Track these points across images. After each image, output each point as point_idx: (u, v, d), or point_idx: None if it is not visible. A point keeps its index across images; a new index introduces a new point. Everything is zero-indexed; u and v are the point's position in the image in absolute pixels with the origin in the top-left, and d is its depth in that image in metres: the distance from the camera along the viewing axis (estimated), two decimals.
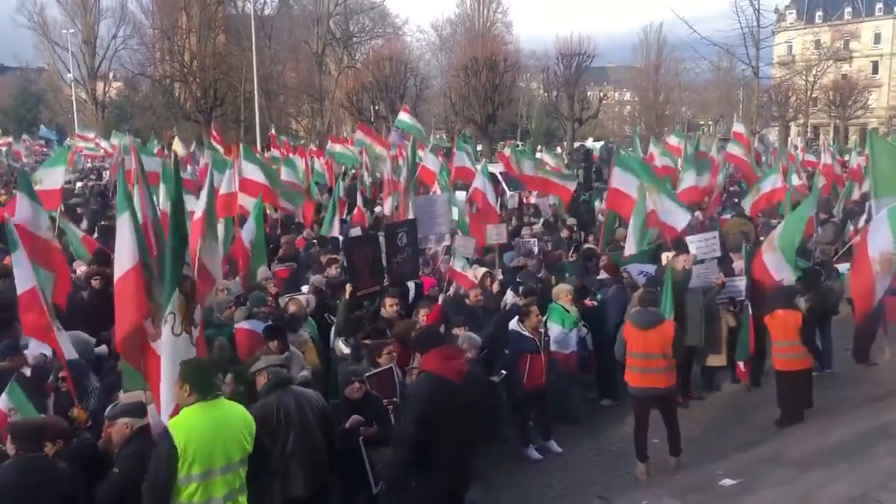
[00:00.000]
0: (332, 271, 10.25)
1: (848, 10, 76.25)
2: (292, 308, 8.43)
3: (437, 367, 5.36)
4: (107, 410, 5.35)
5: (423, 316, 8.31)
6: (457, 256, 10.16)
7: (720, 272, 9.75)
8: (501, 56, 50.03)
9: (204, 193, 9.20)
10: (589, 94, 56.22)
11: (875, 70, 74.49)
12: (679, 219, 11.46)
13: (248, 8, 48.21)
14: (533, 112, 64.54)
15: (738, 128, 23.09)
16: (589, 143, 47.56)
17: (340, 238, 12.86)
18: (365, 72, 53.29)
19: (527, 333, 8.20)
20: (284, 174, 17.45)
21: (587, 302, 9.84)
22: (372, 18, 63.10)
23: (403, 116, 22.74)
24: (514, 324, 8.33)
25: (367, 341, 7.23)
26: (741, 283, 9.83)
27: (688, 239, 11.10)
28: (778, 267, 9.71)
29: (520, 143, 48.88)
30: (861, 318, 9.50)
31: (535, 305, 8.47)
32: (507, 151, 24.23)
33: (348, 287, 8.01)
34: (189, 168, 21.55)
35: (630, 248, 11.20)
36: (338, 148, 27.50)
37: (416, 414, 5.25)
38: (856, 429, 7.86)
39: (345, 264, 9.34)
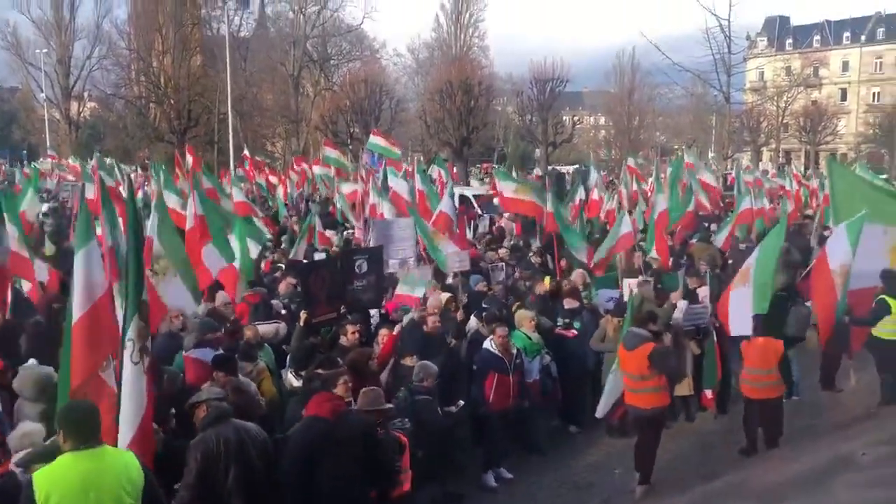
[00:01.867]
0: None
1: (817, 38, 77.69)
2: (248, 335, 8.21)
3: (314, 411, 5.67)
4: (18, 458, 4.99)
5: (382, 339, 8.19)
6: (405, 281, 9.97)
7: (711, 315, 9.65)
8: (476, 80, 50.14)
9: (154, 216, 8.98)
10: (563, 118, 56.49)
11: (844, 97, 75.80)
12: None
13: (224, 30, 48.07)
14: (509, 135, 64.81)
15: (689, 158, 23.20)
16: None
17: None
18: (341, 94, 53.26)
19: (496, 352, 8.21)
20: (236, 195, 17.32)
21: (568, 333, 9.71)
22: (349, 41, 63.18)
23: (374, 139, 22.64)
24: (486, 342, 8.35)
25: (320, 371, 7.00)
26: (705, 310, 9.75)
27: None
28: (740, 306, 9.55)
29: (496, 167, 48.99)
30: (825, 338, 9.44)
31: (504, 327, 8.40)
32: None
33: (303, 314, 7.80)
34: (141, 192, 21.20)
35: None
36: (317, 170, 27.38)
37: (294, 452, 5.54)
38: (819, 459, 7.74)
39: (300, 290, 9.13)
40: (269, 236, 15.63)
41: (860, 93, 74.83)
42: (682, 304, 9.60)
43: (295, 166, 29.32)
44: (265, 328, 8.92)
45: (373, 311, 9.63)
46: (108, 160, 34.75)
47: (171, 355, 7.64)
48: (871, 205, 9.76)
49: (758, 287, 9.25)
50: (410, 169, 20.71)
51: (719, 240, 15.39)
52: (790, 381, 10.26)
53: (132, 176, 26.44)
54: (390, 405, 6.30)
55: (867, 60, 74.91)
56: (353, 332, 8.08)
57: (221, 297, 10.16)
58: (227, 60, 39.37)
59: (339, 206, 20.76)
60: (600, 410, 8.79)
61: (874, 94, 73.45)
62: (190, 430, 5.66)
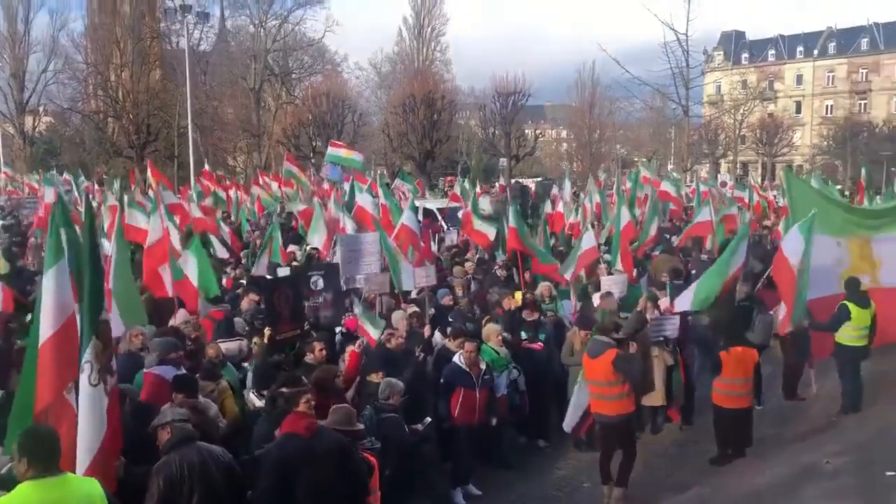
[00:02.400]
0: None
1: (772, 52, 79.45)
2: (210, 353, 8.04)
3: (289, 428, 5.55)
4: None
5: (347, 356, 8.09)
6: (367, 318, 9.85)
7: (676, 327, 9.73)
8: (439, 93, 50.32)
9: (114, 235, 8.80)
10: (526, 131, 56.84)
11: (798, 110, 77.51)
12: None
13: (184, 43, 47.56)
14: (472, 149, 65.04)
15: (645, 172, 23.57)
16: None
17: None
18: (303, 108, 53.01)
19: (464, 367, 8.17)
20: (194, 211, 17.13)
21: (535, 346, 9.68)
22: (311, 55, 62.93)
23: (333, 150, 22.54)
24: (455, 357, 8.30)
25: (283, 390, 6.85)
26: (673, 320, 9.81)
27: (602, 280, 11.19)
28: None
29: (460, 180, 49.10)
30: (786, 325, 9.67)
31: (472, 341, 8.36)
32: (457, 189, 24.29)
33: (267, 331, 7.66)
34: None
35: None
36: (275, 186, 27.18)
37: (270, 470, 5.35)
38: (786, 469, 7.82)
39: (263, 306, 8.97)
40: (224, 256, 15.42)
41: (814, 105, 76.60)
42: (654, 322, 9.63)
43: (259, 180, 29.05)
44: (228, 346, 8.75)
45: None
46: (64, 176, 34.19)
47: (130, 375, 7.43)
48: (825, 216, 10.02)
49: (703, 282, 9.51)
50: (373, 183, 20.64)
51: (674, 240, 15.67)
52: (758, 391, 10.40)
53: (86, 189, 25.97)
54: (361, 426, 6.18)
55: (820, 74, 76.79)
56: (321, 350, 7.98)
57: (182, 314, 9.97)
58: (187, 74, 38.86)
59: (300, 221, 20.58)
60: (567, 424, 8.78)
61: (827, 106, 75.25)
62: (145, 451, 5.48)
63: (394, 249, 11.06)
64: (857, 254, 10.57)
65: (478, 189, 22.84)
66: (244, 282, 13.12)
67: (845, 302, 9.52)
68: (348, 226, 15.00)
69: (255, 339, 8.56)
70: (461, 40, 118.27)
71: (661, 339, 9.61)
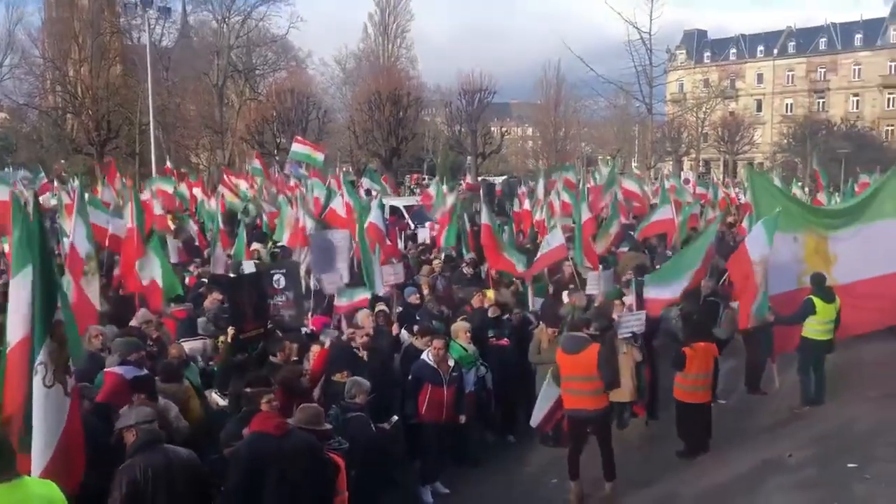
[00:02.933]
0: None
1: (733, 51, 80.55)
2: (173, 353, 7.89)
3: (258, 427, 5.50)
4: None
5: (313, 356, 7.99)
6: (342, 295, 9.79)
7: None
8: (405, 90, 50.20)
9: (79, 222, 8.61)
10: (492, 129, 56.98)
11: (759, 108, 78.73)
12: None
13: (145, 39, 46.73)
14: (438, 146, 65.01)
15: (569, 176, 23.78)
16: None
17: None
18: (267, 104, 52.50)
19: (432, 364, 8.13)
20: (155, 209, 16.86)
21: (502, 342, 9.67)
22: (275, 51, 62.30)
23: (297, 147, 22.36)
24: (424, 354, 8.27)
25: (248, 389, 6.74)
26: (639, 316, 9.86)
27: (589, 276, 11.22)
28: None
29: (426, 177, 49.03)
30: (745, 322, 9.85)
31: (441, 339, 8.33)
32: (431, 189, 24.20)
33: (231, 330, 7.53)
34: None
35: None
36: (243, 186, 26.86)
37: (239, 469, 5.29)
38: (749, 462, 7.90)
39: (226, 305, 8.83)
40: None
41: (774, 104, 77.86)
42: (623, 319, 9.67)
43: (225, 178, 28.71)
44: (192, 345, 8.61)
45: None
46: (21, 173, 33.39)
47: (91, 377, 7.26)
48: (784, 212, 10.22)
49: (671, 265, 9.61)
50: (337, 180, 20.47)
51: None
52: (714, 385, 10.56)
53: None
54: (329, 426, 6.09)
55: (780, 73, 78.09)
56: (295, 351, 7.90)
57: (142, 314, 9.77)
58: (149, 70, 38.21)
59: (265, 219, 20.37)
60: (534, 420, 8.78)
61: (787, 104, 76.54)
62: (106, 453, 5.35)
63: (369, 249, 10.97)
64: (812, 249, 10.79)
65: (444, 188, 22.77)
66: (206, 280, 12.96)
67: (811, 297, 9.69)
68: (308, 225, 14.80)
69: (220, 338, 8.44)
70: (427, 37, 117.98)
71: (630, 335, 9.67)
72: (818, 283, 9.84)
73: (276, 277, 8.59)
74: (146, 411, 5.79)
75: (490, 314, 10.03)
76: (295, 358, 7.95)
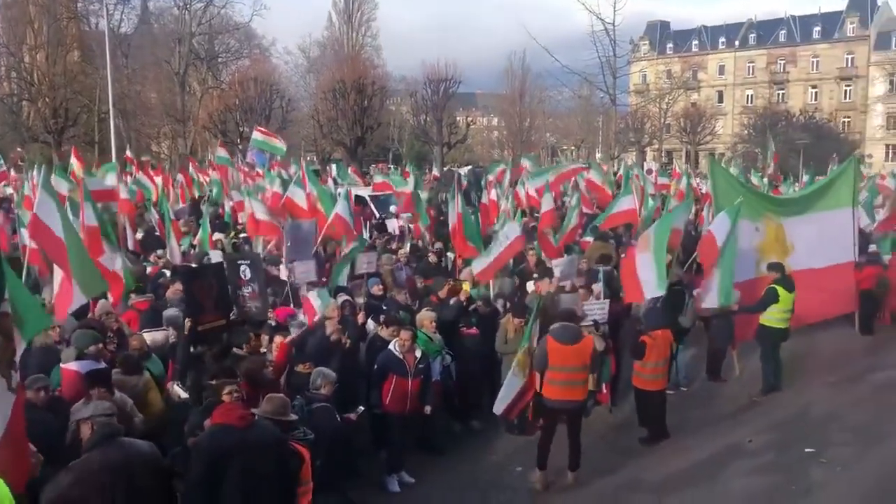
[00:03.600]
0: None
1: (695, 43, 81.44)
2: (134, 344, 7.76)
3: (221, 419, 5.42)
4: None
5: (275, 346, 7.94)
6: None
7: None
8: (370, 79, 49.93)
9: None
10: (458, 119, 56.98)
11: (720, 99, 79.82)
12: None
13: (103, 25, 45.76)
14: (404, 136, 64.82)
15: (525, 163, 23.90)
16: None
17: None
18: (230, 93, 51.83)
19: (398, 354, 8.12)
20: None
21: (471, 331, 9.68)
22: (237, 39, 61.47)
23: (258, 136, 22.14)
24: (392, 343, 8.25)
25: (212, 382, 6.66)
26: (602, 305, 9.96)
27: (553, 262, 11.26)
28: (647, 275, 9.86)
29: (392, 167, 48.84)
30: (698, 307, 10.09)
31: (409, 330, 8.32)
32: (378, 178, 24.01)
33: (188, 321, 7.43)
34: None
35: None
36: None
37: (200, 461, 5.20)
38: (710, 449, 8.04)
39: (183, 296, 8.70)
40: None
41: (735, 95, 78.97)
42: (586, 306, 9.79)
43: (189, 168, 28.31)
44: (154, 336, 8.47)
45: None
46: None
47: (46, 371, 7.11)
48: (746, 201, 10.41)
49: (658, 263, 9.69)
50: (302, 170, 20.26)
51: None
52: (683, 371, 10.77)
53: None
54: (295, 416, 6.05)
55: (741, 65, 79.18)
56: (257, 340, 7.84)
57: (102, 305, 9.60)
58: (108, 57, 37.40)
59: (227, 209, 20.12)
60: (497, 408, 8.81)
61: (748, 96, 77.71)
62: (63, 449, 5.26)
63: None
64: (772, 238, 11.02)
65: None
66: (167, 271, 12.77)
67: (774, 285, 9.87)
68: (258, 212, 14.62)
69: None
70: (392, 26, 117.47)
71: (592, 323, 9.77)
72: (779, 271, 10.04)
73: (242, 268, 8.47)
74: (104, 405, 5.70)
75: (452, 303, 10.03)
76: (264, 350, 7.90)
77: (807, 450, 7.25)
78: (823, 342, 11.69)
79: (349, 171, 31.45)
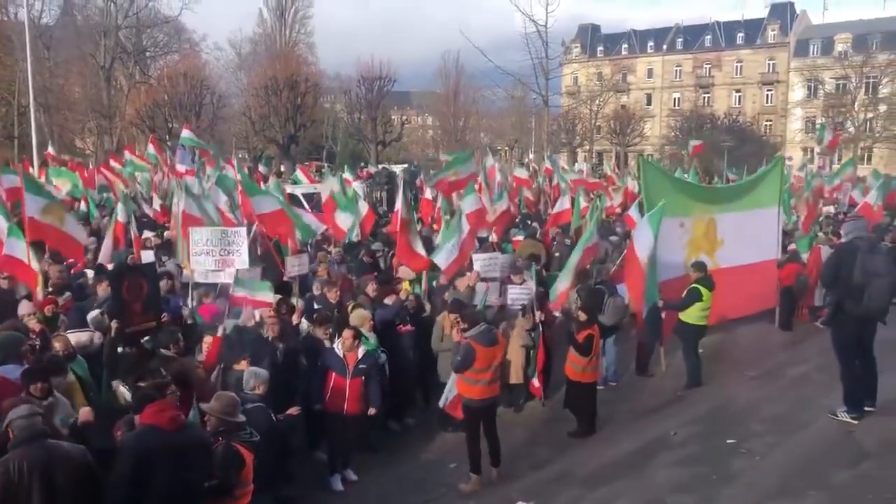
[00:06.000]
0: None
1: (625, 46, 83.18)
2: (57, 345, 7.53)
3: (148, 419, 5.32)
4: None
5: (206, 346, 7.84)
6: (241, 284, 9.55)
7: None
8: (303, 76, 49.46)
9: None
10: (392, 117, 56.89)
11: (649, 102, 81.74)
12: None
13: (22, 15, 44.02)
14: (338, 134, 64.34)
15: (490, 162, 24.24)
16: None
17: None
18: (159, 88, 50.59)
19: (339, 353, 8.16)
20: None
21: (406, 328, 9.74)
22: (166, 33, 60.05)
23: (186, 133, 21.73)
24: (336, 342, 8.29)
25: (141, 383, 6.53)
26: (527, 290, 10.19)
27: (473, 257, 11.39)
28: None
29: (326, 165, 48.41)
30: (641, 321, 10.38)
31: (351, 330, 8.32)
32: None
33: (114, 323, 7.27)
34: None
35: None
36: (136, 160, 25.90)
37: (125, 458, 5.16)
38: (637, 441, 8.28)
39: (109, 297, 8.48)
40: None
41: (663, 98, 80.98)
42: (511, 293, 10.29)
43: (111, 163, 27.46)
44: (79, 337, 8.24)
45: None
46: None
47: None
48: (671, 199, 10.73)
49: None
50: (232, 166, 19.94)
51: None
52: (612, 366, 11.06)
53: None
54: (243, 417, 5.98)
55: (668, 68, 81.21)
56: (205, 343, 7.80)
57: (25, 306, 9.29)
58: (28, 48, 35.99)
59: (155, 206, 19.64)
60: (443, 401, 8.91)
61: (675, 99, 79.77)
62: None
63: None
64: (701, 233, 11.41)
65: (346, 176, 22.54)
66: (88, 270, 12.39)
67: (697, 285, 10.22)
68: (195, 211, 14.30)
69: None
70: (326, 24, 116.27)
71: (520, 307, 10.00)
72: (701, 270, 10.41)
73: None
74: (23, 408, 5.54)
75: (386, 302, 10.06)
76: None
77: (728, 441, 7.55)
78: (745, 338, 12.17)
79: (297, 170, 31.20)
